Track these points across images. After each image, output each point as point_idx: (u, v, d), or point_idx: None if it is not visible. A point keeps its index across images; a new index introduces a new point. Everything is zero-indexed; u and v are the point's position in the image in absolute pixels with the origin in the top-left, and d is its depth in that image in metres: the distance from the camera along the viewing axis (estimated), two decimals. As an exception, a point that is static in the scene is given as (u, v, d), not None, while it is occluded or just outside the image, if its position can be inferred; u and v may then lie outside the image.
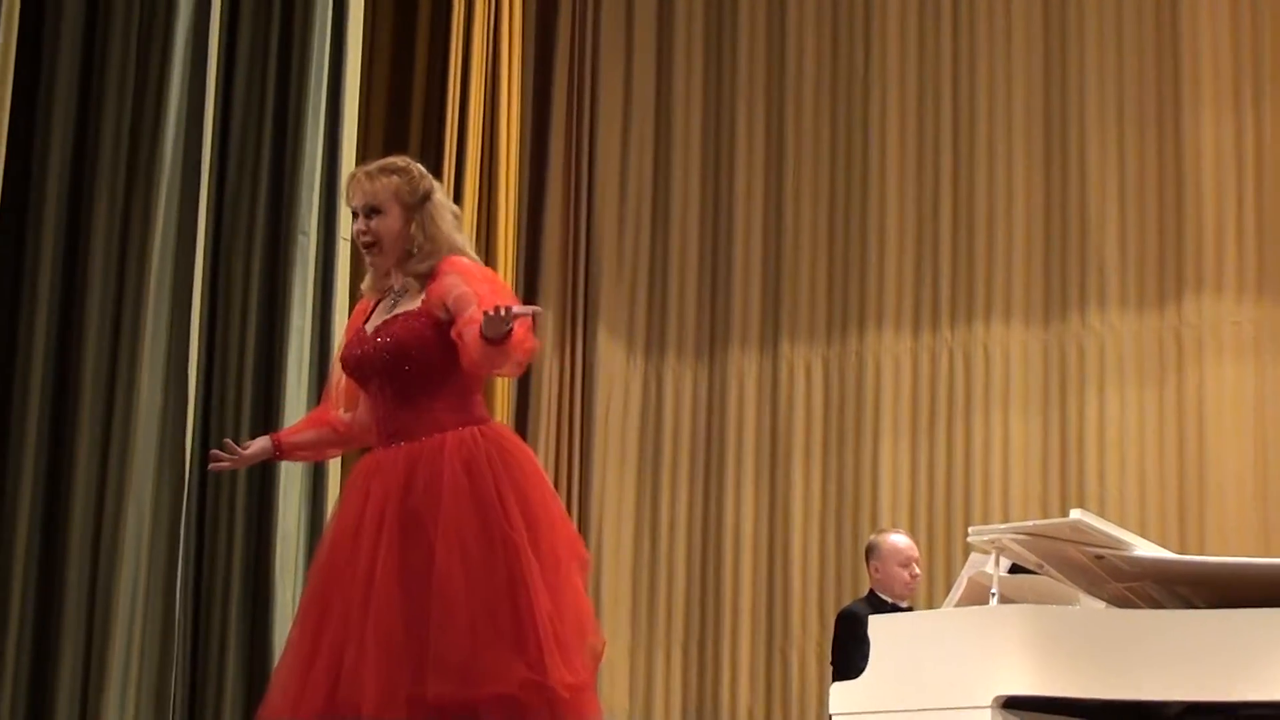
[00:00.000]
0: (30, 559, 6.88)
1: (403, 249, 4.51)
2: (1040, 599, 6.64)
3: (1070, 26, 10.12)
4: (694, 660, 10.32)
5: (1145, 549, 6.36)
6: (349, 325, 4.68)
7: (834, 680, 7.21)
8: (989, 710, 6.21)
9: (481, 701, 4.19)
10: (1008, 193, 10.14)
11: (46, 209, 7.08)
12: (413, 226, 4.51)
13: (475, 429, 4.45)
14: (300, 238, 7.86)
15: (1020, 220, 10.10)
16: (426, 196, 4.55)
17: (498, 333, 4.18)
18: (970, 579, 6.96)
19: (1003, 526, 6.73)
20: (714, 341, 10.67)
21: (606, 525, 10.51)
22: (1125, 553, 6.29)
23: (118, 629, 6.99)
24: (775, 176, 10.69)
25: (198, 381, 7.54)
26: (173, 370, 7.37)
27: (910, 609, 7.69)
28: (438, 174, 9.41)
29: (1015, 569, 6.74)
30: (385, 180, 4.54)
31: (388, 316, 4.52)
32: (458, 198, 9.35)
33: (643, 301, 10.81)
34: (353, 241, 5.19)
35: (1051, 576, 6.50)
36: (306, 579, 4.77)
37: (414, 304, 4.49)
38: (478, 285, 4.43)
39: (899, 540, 7.86)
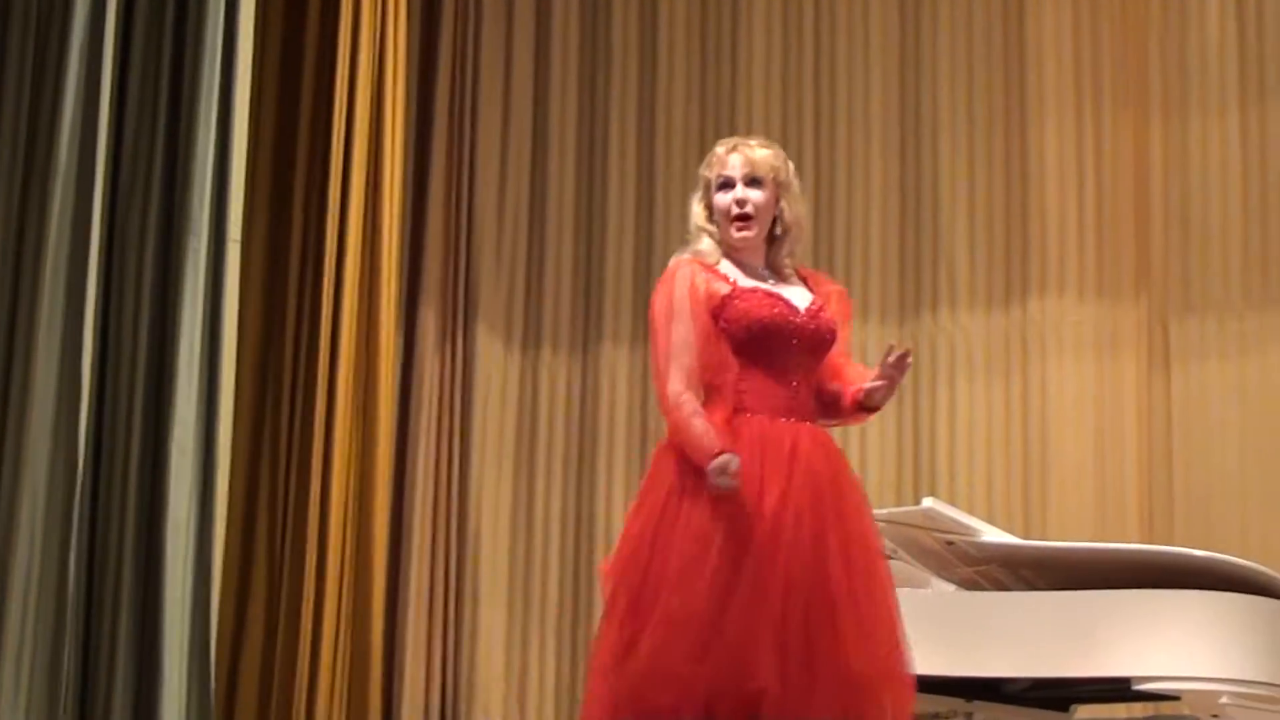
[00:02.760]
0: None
1: (768, 227, 4.51)
2: (899, 584, 6.83)
3: (924, 38, 10.45)
4: (568, 646, 10.57)
5: (992, 535, 6.65)
6: (696, 288, 4.45)
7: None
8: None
9: None
10: (865, 197, 10.44)
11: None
12: (780, 204, 4.52)
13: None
14: (191, 239, 7.96)
15: (876, 223, 10.39)
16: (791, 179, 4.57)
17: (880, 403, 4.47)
18: None
19: None
20: (588, 336, 10.94)
21: (484, 517, 10.71)
22: (974, 538, 6.58)
23: (10, 619, 7.12)
24: (647, 178, 10.97)
25: (91, 378, 7.62)
26: (66, 367, 7.47)
27: None
28: (324, 176, 9.63)
29: None
30: (765, 154, 4.55)
31: (807, 300, 4.50)
32: (344, 199, 9.46)
33: (520, 298, 11.03)
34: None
35: (905, 561, 6.73)
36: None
37: (809, 294, 4.54)
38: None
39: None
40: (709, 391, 4.39)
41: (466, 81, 11.09)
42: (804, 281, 4.58)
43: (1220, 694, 6.35)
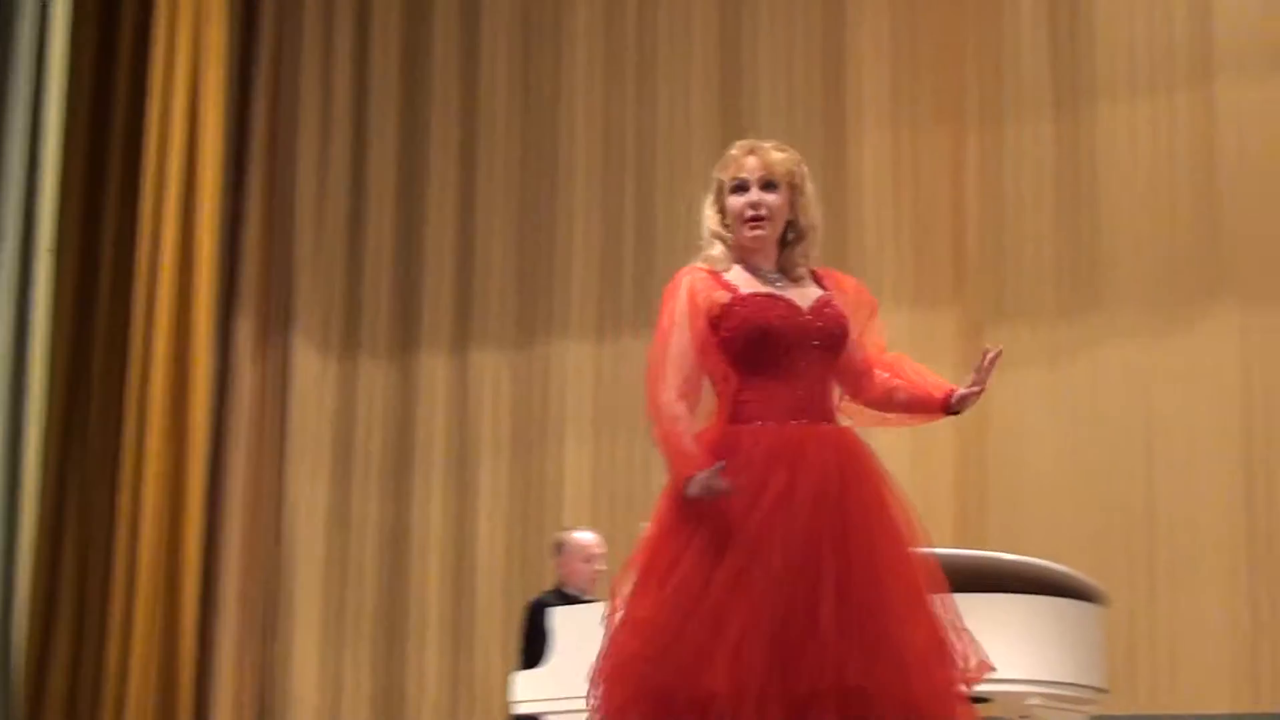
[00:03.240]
0: None
1: (782, 230, 4.43)
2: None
3: (744, 48, 10.55)
4: (383, 655, 10.53)
5: None
6: (695, 297, 4.35)
7: (520, 669, 7.50)
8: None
9: None
10: (686, 208, 10.49)
11: None
12: (796, 208, 4.43)
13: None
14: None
15: (698, 233, 10.44)
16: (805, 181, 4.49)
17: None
18: None
19: None
20: (405, 345, 10.90)
21: (300, 523, 10.65)
22: None
23: None
24: (466, 188, 10.96)
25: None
26: None
27: (594, 600, 7.88)
28: (138, 185, 9.51)
29: None
30: (780, 156, 4.46)
31: (813, 298, 4.37)
32: (158, 208, 9.38)
33: (339, 306, 10.97)
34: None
35: None
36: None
37: (819, 290, 4.42)
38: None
39: (585, 537, 8.17)
40: (718, 401, 4.40)
41: (284, 89, 11.03)
42: (817, 280, 4.49)
43: (1029, 695, 6.50)
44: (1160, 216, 9.59)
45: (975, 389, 4.33)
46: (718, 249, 4.41)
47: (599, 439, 10.45)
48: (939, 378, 4.40)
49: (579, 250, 10.69)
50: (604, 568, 8.17)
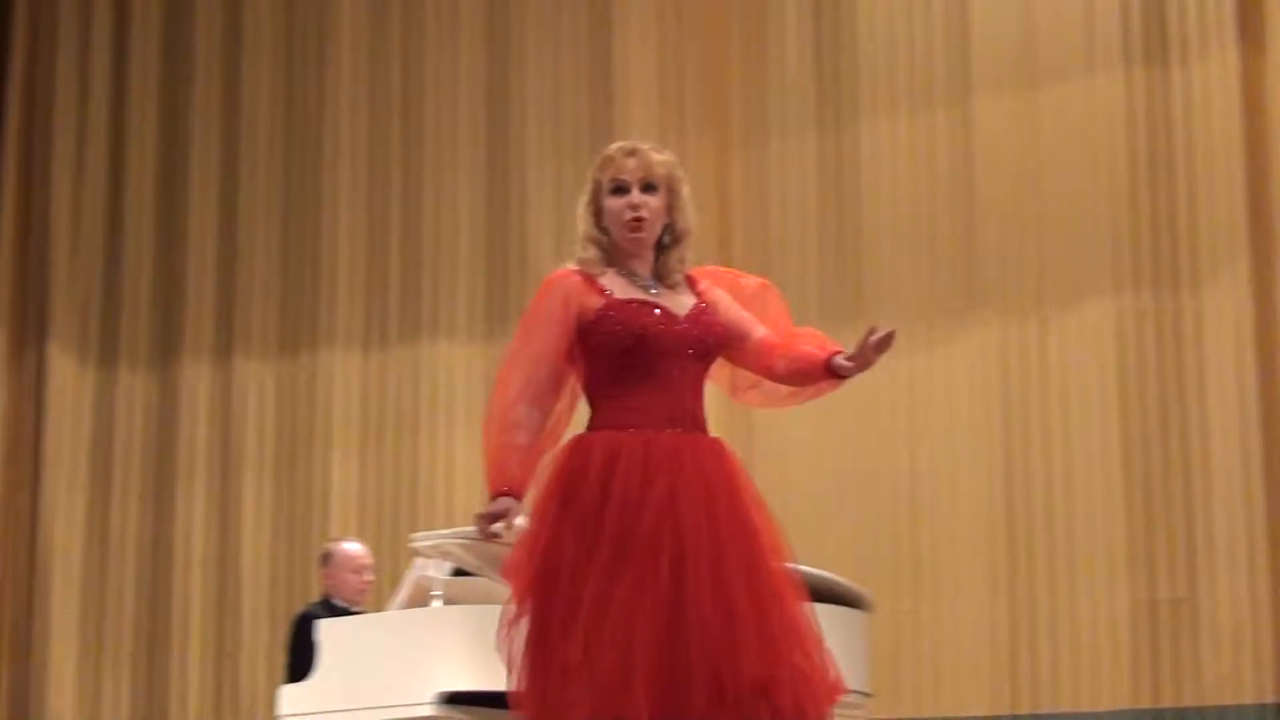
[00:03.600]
0: None
1: (660, 233, 4.36)
2: (481, 600, 6.87)
3: (512, 66, 10.57)
4: (143, 669, 10.35)
5: None
6: (568, 303, 4.26)
7: (286, 682, 7.39)
8: (431, 706, 6.53)
9: None
10: (453, 219, 10.50)
11: None
12: (674, 211, 4.35)
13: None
14: None
15: (465, 244, 10.46)
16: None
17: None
18: (415, 582, 7.14)
19: (445, 532, 6.98)
20: (167, 354, 10.73)
21: (57, 536, 10.42)
22: None
23: None
24: (229, 191, 10.81)
25: None
26: None
27: (362, 612, 7.83)
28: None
29: (458, 572, 6.99)
30: (660, 158, 4.36)
31: (689, 305, 4.30)
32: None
33: (96, 315, 10.76)
34: None
35: (491, 579, 6.72)
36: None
37: (694, 298, 4.34)
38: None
39: (352, 548, 8.08)
40: (591, 408, 4.33)
41: (39, 87, 10.82)
42: (692, 284, 4.42)
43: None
44: (921, 230, 9.79)
45: (854, 363, 4.22)
46: (592, 252, 4.33)
47: (366, 449, 10.37)
48: (826, 341, 4.32)
49: (344, 258, 10.61)
50: (372, 578, 8.11)
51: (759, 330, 4.36)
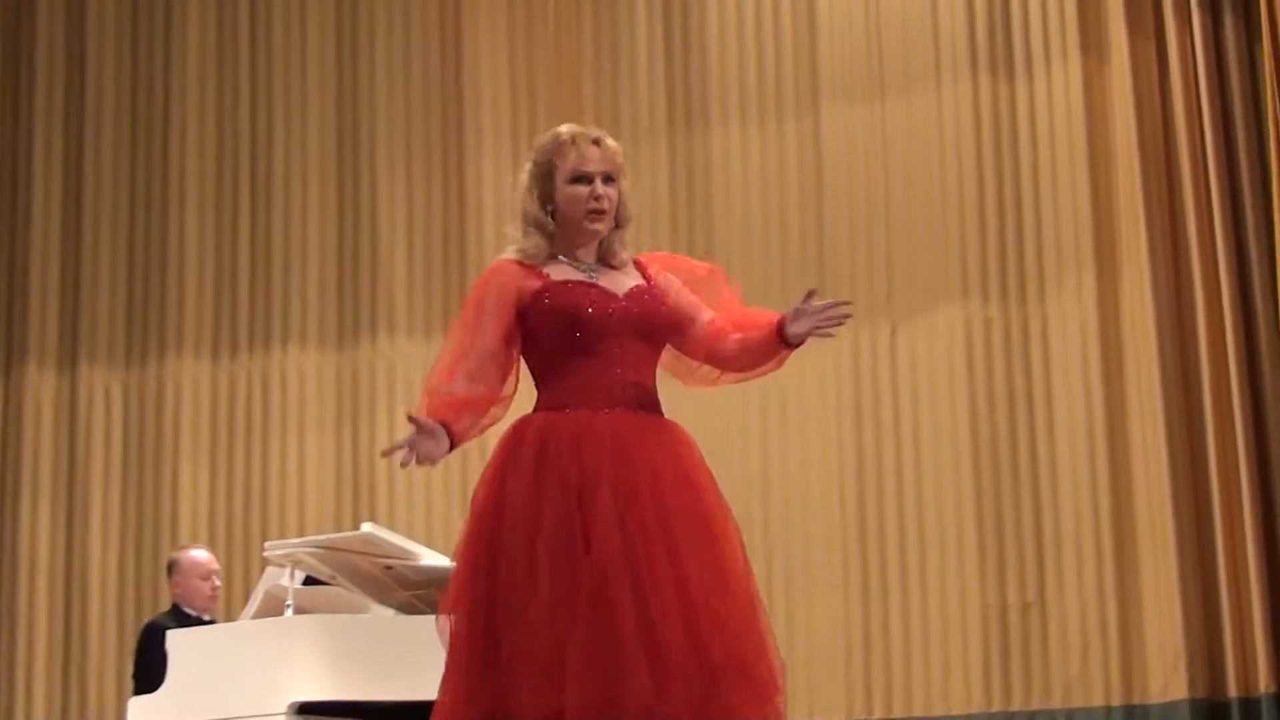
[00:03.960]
0: None
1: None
2: (334, 609, 6.87)
3: (362, 67, 10.52)
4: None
5: (431, 558, 6.70)
6: (507, 290, 4.22)
7: (135, 693, 7.30)
8: (284, 717, 6.46)
9: None
10: (303, 224, 10.43)
11: None
12: (622, 197, 4.34)
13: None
14: None
15: (315, 250, 10.40)
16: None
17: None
18: (267, 591, 7.11)
19: (298, 541, 6.98)
20: (9, 362, 10.56)
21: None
22: (412, 562, 6.64)
23: None
24: (74, 198, 10.65)
25: None
26: None
27: (213, 621, 7.81)
28: None
29: (310, 581, 6.95)
30: (616, 147, 4.34)
31: (629, 285, 4.27)
32: None
33: (-68, 323, 10.59)
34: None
35: (344, 587, 6.75)
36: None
37: (638, 279, 4.31)
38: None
39: (199, 555, 8.01)
40: (537, 390, 4.25)
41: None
42: (640, 269, 4.38)
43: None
44: (771, 237, 9.86)
45: (802, 329, 4.22)
46: (534, 238, 4.30)
47: (216, 458, 10.27)
48: (771, 313, 4.32)
49: (192, 263, 10.49)
50: (220, 584, 8.06)
51: (706, 314, 4.36)
